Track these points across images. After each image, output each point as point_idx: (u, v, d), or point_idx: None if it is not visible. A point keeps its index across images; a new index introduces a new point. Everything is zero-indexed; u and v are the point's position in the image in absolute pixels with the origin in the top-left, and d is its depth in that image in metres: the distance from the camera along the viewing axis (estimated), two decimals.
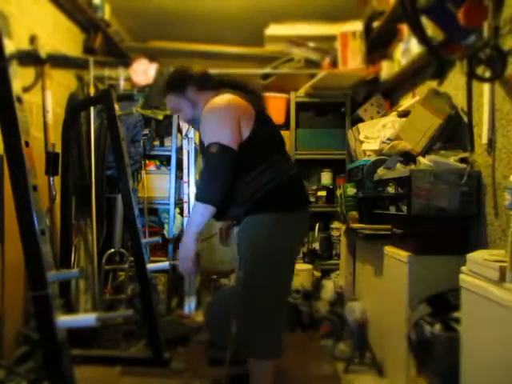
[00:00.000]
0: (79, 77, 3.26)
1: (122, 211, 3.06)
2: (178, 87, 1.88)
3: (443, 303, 1.72)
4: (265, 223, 1.75)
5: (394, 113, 2.79)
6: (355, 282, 2.96)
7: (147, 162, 3.39)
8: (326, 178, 3.68)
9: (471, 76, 1.84)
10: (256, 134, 1.77)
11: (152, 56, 3.41)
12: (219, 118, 1.73)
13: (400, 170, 2.17)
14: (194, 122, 1.93)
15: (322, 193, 3.59)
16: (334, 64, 3.48)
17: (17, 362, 2.20)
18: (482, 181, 1.98)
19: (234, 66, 3.65)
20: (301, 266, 3.20)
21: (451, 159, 2.04)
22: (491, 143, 1.91)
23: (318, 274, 3.35)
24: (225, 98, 1.78)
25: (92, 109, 3.01)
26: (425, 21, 1.78)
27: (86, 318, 1.32)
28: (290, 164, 1.92)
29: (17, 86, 1.33)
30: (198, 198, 1.71)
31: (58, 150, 2.49)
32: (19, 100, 1.33)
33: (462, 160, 2.06)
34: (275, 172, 1.78)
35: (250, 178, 1.76)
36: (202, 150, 1.87)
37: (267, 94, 3.60)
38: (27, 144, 1.32)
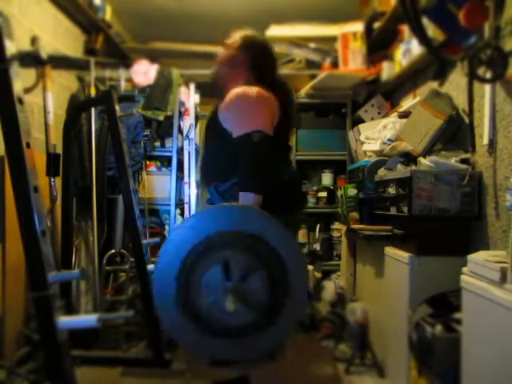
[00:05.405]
0: (80, 78, 3.26)
1: (123, 212, 3.06)
2: (245, 56, 1.84)
3: (444, 304, 1.72)
4: None
5: (395, 113, 2.79)
6: (356, 283, 2.96)
7: (148, 162, 3.39)
8: (326, 178, 3.68)
9: (472, 77, 1.84)
10: (276, 128, 1.75)
11: (153, 57, 3.41)
12: (256, 106, 1.72)
13: (401, 170, 2.17)
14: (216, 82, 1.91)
15: (323, 193, 3.59)
16: (334, 65, 3.48)
17: (18, 363, 2.20)
18: (483, 182, 1.98)
19: None
20: None
21: (452, 160, 2.04)
22: (492, 144, 1.91)
23: (318, 274, 3.34)
24: (255, 89, 1.75)
25: (93, 110, 3.00)
26: (425, 21, 1.78)
27: (86, 318, 1.31)
28: (286, 167, 1.91)
29: (18, 86, 1.33)
30: (249, 188, 1.61)
31: (59, 150, 2.49)
32: (20, 101, 1.33)
33: (463, 161, 2.06)
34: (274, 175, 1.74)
35: None
36: (208, 134, 1.89)
37: None
38: (28, 145, 1.32)
